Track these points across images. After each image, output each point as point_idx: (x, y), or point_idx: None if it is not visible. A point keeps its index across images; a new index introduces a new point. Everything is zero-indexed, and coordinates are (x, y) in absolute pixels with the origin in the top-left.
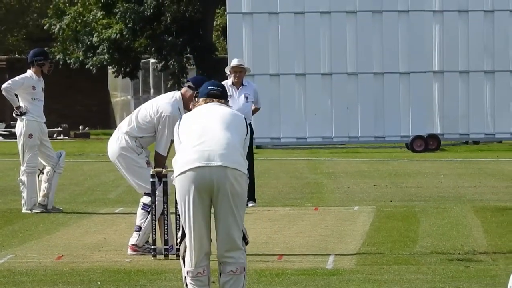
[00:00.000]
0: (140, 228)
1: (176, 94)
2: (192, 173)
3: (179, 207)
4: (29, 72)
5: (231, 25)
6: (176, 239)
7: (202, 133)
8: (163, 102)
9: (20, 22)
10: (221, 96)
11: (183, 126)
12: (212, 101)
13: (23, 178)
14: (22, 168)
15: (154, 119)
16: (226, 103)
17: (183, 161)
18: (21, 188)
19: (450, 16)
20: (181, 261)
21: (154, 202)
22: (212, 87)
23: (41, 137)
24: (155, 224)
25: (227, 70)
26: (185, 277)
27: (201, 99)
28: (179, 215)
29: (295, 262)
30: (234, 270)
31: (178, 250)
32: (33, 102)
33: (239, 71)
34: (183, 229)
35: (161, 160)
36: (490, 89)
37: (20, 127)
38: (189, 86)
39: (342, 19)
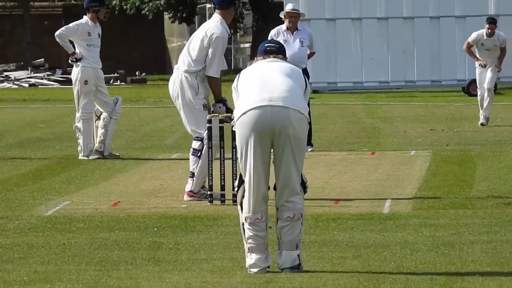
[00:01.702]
0: (194, 174)
1: (218, 17)
2: (254, 112)
3: (238, 151)
4: (85, 18)
5: None
6: (233, 185)
7: (263, 82)
8: (210, 26)
9: None
10: (278, 52)
11: (242, 81)
12: (270, 57)
13: (79, 124)
14: (78, 114)
15: (205, 43)
16: (284, 59)
17: (244, 104)
18: (77, 135)
19: None
20: (239, 206)
21: (211, 148)
22: (269, 44)
23: (97, 83)
24: (212, 170)
25: (281, 15)
26: (243, 223)
27: (259, 56)
28: (236, 160)
29: (352, 207)
30: (291, 216)
31: (235, 195)
32: (89, 48)
33: (294, 16)
34: (240, 175)
35: (215, 83)
36: None
37: (75, 73)
38: (219, 8)
39: None
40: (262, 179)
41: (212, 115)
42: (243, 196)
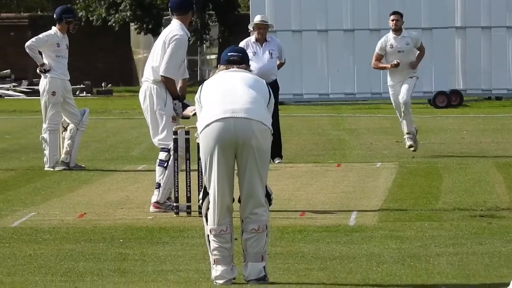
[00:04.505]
0: (160, 184)
1: (177, 22)
2: (217, 124)
3: (202, 163)
4: (54, 29)
5: None
6: (199, 197)
7: (226, 94)
8: (170, 30)
9: None
10: (241, 61)
11: (204, 92)
12: (233, 67)
13: (45, 135)
14: (44, 125)
15: (166, 48)
16: (247, 68)
17: (207, 116)
18: (43, 146)
19: None
20: (204, 218)
21: (177, 159)
22: (232, 53)
23: (65, 94)
24: (177, 181)
25: (250, 27)
26: (208, 235)
27: (221, 66)
28: (202, 172)
29: (318, 219)
30: (256, 228)
31: (200, 207)
32: (57, 60)
33: (263, 27)
34: (205, 187)
35: (170, 83)
36: None
37: (43, 84)
38: (177, 14)
39: None
40: (227, 191)
41: (178, 126)
42: (207, 208)
